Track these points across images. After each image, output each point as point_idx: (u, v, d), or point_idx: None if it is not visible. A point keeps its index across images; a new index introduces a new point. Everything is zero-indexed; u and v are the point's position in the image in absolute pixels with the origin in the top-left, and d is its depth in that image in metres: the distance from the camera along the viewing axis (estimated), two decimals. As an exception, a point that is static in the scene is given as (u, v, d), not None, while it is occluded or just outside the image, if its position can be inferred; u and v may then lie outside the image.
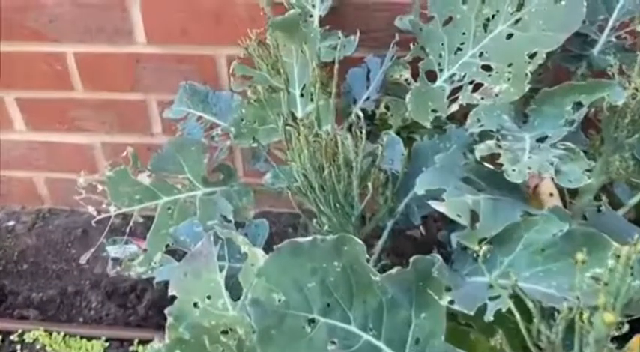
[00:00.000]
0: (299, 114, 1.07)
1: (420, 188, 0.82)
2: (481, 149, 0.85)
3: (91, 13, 1.42)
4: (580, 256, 0.57)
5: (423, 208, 1.00)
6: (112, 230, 1.18)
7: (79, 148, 1.63)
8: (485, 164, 0.86)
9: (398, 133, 1.14)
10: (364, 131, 0.82)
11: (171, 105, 1.35)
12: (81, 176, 1.09)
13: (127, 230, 1.15)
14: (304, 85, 1.08)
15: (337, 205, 0.87)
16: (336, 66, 0.91)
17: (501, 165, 0.85)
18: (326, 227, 0.88)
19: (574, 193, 1.02)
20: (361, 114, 0.84)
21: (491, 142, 0.86)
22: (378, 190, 0.88)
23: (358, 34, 1.23)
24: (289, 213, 1.67)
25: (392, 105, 1.22)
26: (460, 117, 1.12)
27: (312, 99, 1.01)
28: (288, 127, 0.83)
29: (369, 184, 0.86)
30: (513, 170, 0.82)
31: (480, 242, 0.79)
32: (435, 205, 0.78)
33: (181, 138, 1.19)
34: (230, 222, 1.07)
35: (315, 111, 0.88)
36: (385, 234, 1.01)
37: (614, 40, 1.17)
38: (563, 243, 0.75)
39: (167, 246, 1.06)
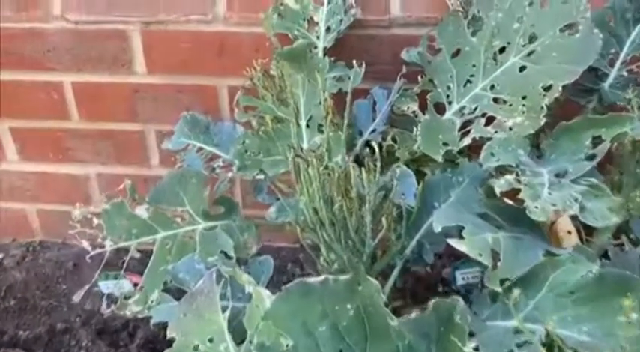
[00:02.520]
0: (304, 145, 1.01)
1: (437, 225, 0.77)
2: (501, 185, 0.80)
3: (90, 42, 1.38)
4: (627, 302, 0.52)
5: (436, 245, 0.94)
6: (106, 264, 1.11)
7: (74, 179, 1.57)
8: (506, 200, 0.81)
9: (406, 166, 1.09)
10: (378, 164, 0.76)
11: (170, 136, 1.29)
12: (76, 208, 1.02)
13: (121, 264, 1.09)
14: (310, 116, 1.03)
15: (348, 241, 0.81)
16: (349, 97, 0.87)
17: (517, 200, 0.80)
18: (335, 265, 0.82)
19: (590, 230, 0.97)
20: (375, 146, 0.79)
21: (510, 177, 0.81)
22: (390, 226, 0.82)
23: (364, 65, 1.18)
24: (289, 247, 1.60)
25: (399, 138, 1.17)
26: (469, 151, 1.07)
27: (320, 131, 0.96)
28: (297, 159, 0.78)
29: (383, 219, 0.80)
30: (536, 207, 0.77)
31: (503, 283, 0.74)
32: (455, 244, 0.73)
33: (182, 170, 1.13)
34: (231, 258, 1.00)
35: (325, 143, 0.83)
36: (395, 273, 0.95)
37: (625, 74, 1.13)
38: (594, 286, 0.69)
39: (165, 283, 0.99)
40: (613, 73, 1.13)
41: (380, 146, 1.19)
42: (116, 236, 1.04)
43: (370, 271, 0.87)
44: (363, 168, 0.77)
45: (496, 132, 0.97)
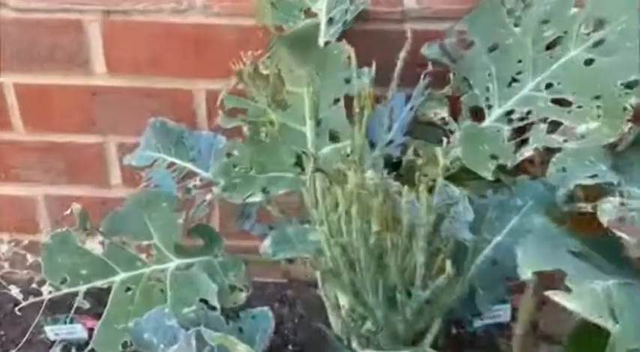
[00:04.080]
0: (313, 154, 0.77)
1: (525, 269, 0.52)
2: (606, 211, 0.56)
3: (38, 35, 1.16)
4: None
5: (492, 291, 0.69)
6: (53, 303, 0.85)
7: (16, 202, 1.32)
8: (616, 232, 0.56)
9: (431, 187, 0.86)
10: (439, 184, 0.52)
11: (134, 149, 1.04)
12: (3, 241, 0.74)
13: (70, 306, 0.82)
14: (320, 121, 0.78)
15: (388, 292, 0.56)
16: (370, 96, 0.62)
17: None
18: (368, 324, 0.56)
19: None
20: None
21: (616, 200, 0.58)
22: (447, 269, 0.57)
23: (374, 65, 0.95)
24: (276, 283, 1.35)
25: (422, 151, 0.94)
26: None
27: (333, 138, 0.71)
28: (317, 173, 0.52)
29: (438, 260, 0.55)
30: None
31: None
32: (563, 300, 0.48)
33: (148, 191, 0.88)
34: (214, 308, 0.74)
35: (356, 151, 0.58)
36: (436, 328, 0.69)
37: None
38: None
39: (125, 345, 0.72)
40: None
41: (398, 161, 0.95)
42: (58, 278, 0.76)
43: (409, 330, 0.61)
44: (406, 187, 0.52)
45: (565, 141, 0.73)
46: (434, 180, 0.91)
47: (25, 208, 1.33)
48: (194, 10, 1.11)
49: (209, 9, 1.10)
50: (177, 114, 1.16)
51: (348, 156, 0.64)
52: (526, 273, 0.52)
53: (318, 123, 0.74)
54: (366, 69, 0.93)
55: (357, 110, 0.61)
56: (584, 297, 0.49)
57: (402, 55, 0.68)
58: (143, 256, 0.82)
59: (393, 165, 0.96)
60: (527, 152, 0.76)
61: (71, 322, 0.99)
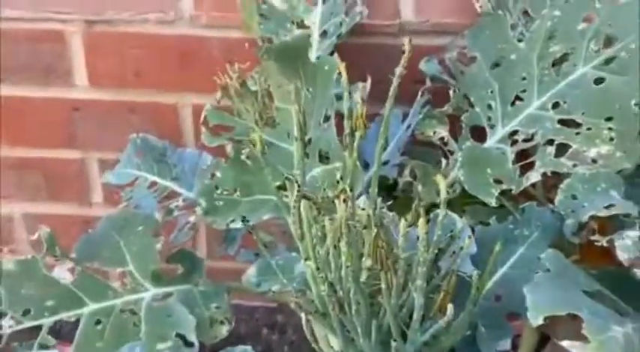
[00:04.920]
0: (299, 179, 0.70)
1: (536, 315, 0.45)
2: (626, 248, 0.50)
3: (16, 45, 1.10)
4: None
5: (497, 331, 0.63)
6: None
7: None
8: (638, 272, 0.50)
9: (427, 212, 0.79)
10: (440, 214, 0.45)
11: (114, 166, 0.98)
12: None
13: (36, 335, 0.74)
14: (309, 140, 0.71)
15: (380, 335, 0.49)
16: (362, 114, 0.56)
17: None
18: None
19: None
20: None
21: (635, 235, 0.51)
22: (448, 308, 0.50)
23: (369, 80, 0.90)
24: (265, 307, 1.28)
25: (419, 173, 0.87)
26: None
27: (323, 160, 0.64)
28: (303, 201, 0.46)
29: (437, 298, 0.49)
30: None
31: None
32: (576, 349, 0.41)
33: (124, 212, 0.81)
34: (192, 345, 0.67)
35: (348, 175, 0.52)
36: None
37: None
38: None
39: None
40: None
41: (394, 183, 0.88)
42: (20, 310, 0.69)
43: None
44: (403, 221, 0.46)
45: (575, 165, 0.67)
46: (432, 205, 0.85)
47: (2, 227, 1.26)
48: (181, 20, 1.05)
49: (196, 20, 1.05)
50: (161, 129, 1.10)
51: (338, 182, 0.57)
52: (537, 319, 0.45)
53: (306, 142, 0.67)
54: (359, 84, 0.88)
55: (347, 132, 0.55)
56: (604, 348, 0.43)
57: (399, 70, 0.62)
58: (116, 285, 0.75)
59: (388, 187, 0.90)
60: (534, 177, 0.69)
61: (46, 349, 0.92)
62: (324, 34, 0.97)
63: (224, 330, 0.71)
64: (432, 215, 0.53)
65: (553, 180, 0.74)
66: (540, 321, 0.45)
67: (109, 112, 1.13)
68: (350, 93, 0.65)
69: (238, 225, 0.70)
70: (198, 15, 1.04)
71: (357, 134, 0.54)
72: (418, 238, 0.47)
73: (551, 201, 0.70)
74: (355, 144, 0.54)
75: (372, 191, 0.55)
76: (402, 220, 0.45)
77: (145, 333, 0.69)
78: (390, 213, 0.53)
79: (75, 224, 1.19)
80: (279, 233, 0.84)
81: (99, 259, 0.76)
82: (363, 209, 0.47)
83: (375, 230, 0.45)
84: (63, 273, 0.72)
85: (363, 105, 0.57)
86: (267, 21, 0.98)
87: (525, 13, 0.85)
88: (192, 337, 0.68)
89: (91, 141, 1.16)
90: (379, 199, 0.50)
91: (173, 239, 0.87)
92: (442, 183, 0.47)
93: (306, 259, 0.50)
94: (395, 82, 0.67)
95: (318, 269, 0.49)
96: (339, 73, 0.73)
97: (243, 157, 0.75)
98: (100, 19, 1.06)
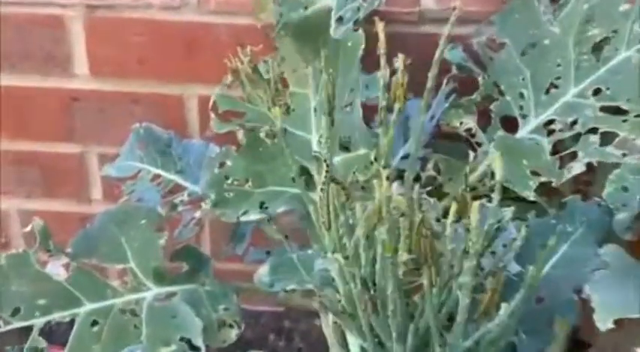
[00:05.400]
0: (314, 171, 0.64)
1: (605, 317, 0.39)
2: None
3: (12, 32, 1.04)
4: None
5: (537, 336, 0.56)
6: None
7: None
8: None
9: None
10: (496, 199, 0.39)
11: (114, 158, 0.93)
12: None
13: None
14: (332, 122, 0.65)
15: (417, 338, 0.43)
16: (402, 83, 0.49)
17: None
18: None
19: None
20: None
21: None
22: (495, 312, 0.44)
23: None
24: (271, 311, 1.22)
25: (443, 166, 0.81)
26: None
27: (345, 147, 0.58)
28: (332, 186, 0.40)
29: (484, 298, 0.42)
30: None
31: None
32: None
33: (125, 206, 0.75)
34: (198, 349, 0.60)
35: (381, 159, 0.45)
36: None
37: None
38: None
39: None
40: None
41: (417, 177, 0.82)
42: (8, 309, 0.63)
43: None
44: (454, 204, 0.39)
45: (624, 155, 0.61)
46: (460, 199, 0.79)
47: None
48: (187, 6, 1.00)
49: (204, 5, 0.99)
50: (166, 122, 1.03)
51: (371, 163, 0.51)
52: (606, 322, 0.39)
53: (333, 124, 0.61)
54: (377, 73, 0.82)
55: (381, 105, 0.48)
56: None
57: (437, 55, 0.56)
58: (115, 284, 0.68)
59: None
60: (577, 168, 0.63)
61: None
62: (339, 19, 0.91)
63: (233, 334, 0.65)
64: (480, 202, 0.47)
65: (585, 176, 0.69)
66: (610, 325, 0.39)
67: (111, 103, 1.08)
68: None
69: (253, 216, 0.63)
70: (206, 0, 0.98)
71: (396, 106, 0.47)
72: (466, 229, 0.41)
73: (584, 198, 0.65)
74: (393, 119, 0.47)
75: (408, 175, 0.49)
76: (453, 204, 0.39)
77: (146, 336, 0.63)
78: (431, 200, 0.47)
79: (72, 221, 1.13)
80: (289, 233, 0.78)
81: (97, 255, 0.70)
82: (401, 194, 0.41)
83: (420, 215, 0.39)
84: (57, 269, 0.66)
85: (404, 73, 0.50)
86: (279, 6, 0.92)
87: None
88: (199, 341, 0.62)
89: (91, 134, 1.10)
90: (416, 185, 0.44)
91: (177, 235, 0.81)
92: (498, 161, 0.41)
93: (333, 252, 0.43)
94: (433, 69, 0.61)
95: (347, 261, 0.42)
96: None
97: (259, 144, 0.68)
98: (101, 4, 1.01)
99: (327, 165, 0.41)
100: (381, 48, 0.49)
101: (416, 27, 0.97)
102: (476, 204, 0.40)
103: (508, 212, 0.50)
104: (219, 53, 0.96)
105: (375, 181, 0.39)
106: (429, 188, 0.56)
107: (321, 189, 0.41)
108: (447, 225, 0.40)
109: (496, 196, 0.43)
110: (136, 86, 1.06)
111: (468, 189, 0.43)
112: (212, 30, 1.00)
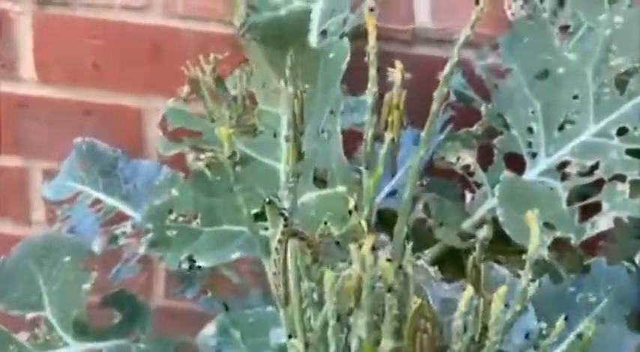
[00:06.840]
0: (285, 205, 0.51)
1: None
2: None
3: None
4: None
5: None
6: None
7: None
8: None
9: (441, 261, 0.61)
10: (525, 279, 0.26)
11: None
12: None
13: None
14: (302, 154, 0.52)
15: None
16: (398, 103, 0.37)
17: None
18: None
19: None
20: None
21: None
22: None
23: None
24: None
25: (434, 208, 0.70)
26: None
27: (321, 180, 0.45)
28: (293, 240, 0.27)
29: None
30: None
31: None
32: None
33: (49, 237, 0.62)
34: None
35: (364, 206, 0.33)
36: None
37: None
38: None
39: None
40: None
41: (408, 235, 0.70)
42: None
43: None
44: (469, 287, 0.27)
45: (658, 209, 0.50)
46: (451, 251, 0.67)
47: None
48: (152, 8, 0.92)
49: (171, 8, 0.91)
50: (121, 137, 0.94)
51: (350, 212, 0.38)
52: None
53: (299, 156, 0.48)
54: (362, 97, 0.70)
55: (368, 134, 0.35)
56: None
57: (440, 89, 0.45)
58: (25, 337, 0.55)
59: (393, 225, 0.72)
60: (604, 224, 0.52)
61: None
62: (323, 33, 0.81)
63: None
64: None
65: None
66: None
67: (60, 113, 0.99)
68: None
69: (185, 266, 0.50)
70: (174, 2, 0.91)
71: (388, 136, 0.35)
72: (474, 309, 0.28)
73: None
74: (383, 153, 0.35)
75: (399, 231, 0.36)
76: (468, 288, 0.26)
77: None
78: (431, 269, 0.34)
79: (7, 245, 1.01)
80: (251, 274, 0.66)
81: (6, 299, 0.56)
82: (389, 259, 0.29)
83: (418, 301, 0.26)
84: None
85: (401, 88, 0.38)
86: (257, 13, 0.81)
87: (564, 27, 0.70)
88: None
89: (35, 146, 1.01)
90: (408, 244, 0.32)
91: (114, 275, 0.67)
92: (534, 226, 0.28)
93: (292, 334, 0.30)
94: (435, 104, 0.50)
95: (310, 348, 0.29)
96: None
97: (214, 171, 0.56)
98: (54, 1, 0.93)
99: (286, 215, 0.29)
100: (371, 52, 0.37)
101: (409, 47, 0.88)
102: (503, 289, 0.27)
103: (532, 288, 0.37)
104: (185, 63, 0.88)
105: (352, 245, 0.27)
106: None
107: (276, 249, 0.28)
108: (456, 316, 0.28)
109: (526, 275, 0.30)
110: (90, 95, 0.98)
111: (480, 257, 0.30)
112: (178, 36, 0.92)
